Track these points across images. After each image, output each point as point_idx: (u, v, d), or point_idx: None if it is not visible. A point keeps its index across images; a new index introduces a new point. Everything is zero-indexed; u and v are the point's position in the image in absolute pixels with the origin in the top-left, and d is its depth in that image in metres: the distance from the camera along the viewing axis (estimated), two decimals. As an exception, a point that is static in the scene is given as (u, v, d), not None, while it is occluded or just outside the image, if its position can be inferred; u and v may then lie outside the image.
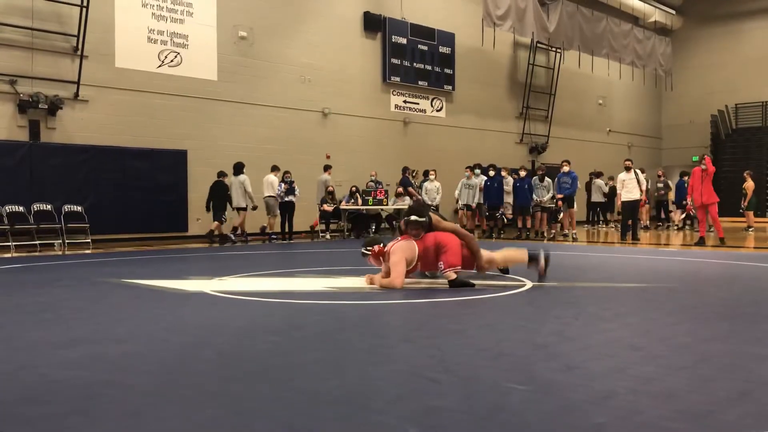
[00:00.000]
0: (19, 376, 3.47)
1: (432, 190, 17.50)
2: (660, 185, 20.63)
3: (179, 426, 2.65)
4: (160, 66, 15.68)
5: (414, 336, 4.41)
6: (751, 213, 18.92)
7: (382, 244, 7.03)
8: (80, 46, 14.25)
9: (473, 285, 6.71)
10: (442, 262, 6.71)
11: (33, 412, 2.84)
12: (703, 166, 13.48)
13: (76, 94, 14.40)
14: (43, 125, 14.08)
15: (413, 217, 6.87)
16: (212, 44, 16.61)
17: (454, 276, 6.67)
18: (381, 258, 6.97)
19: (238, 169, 15.32)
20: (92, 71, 14.55)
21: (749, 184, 18.88)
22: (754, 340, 4.30)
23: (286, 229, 15.93)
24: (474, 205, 16.96)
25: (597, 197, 20.91)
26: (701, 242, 13.39)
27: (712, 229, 16.95)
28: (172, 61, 15.88)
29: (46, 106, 13.85)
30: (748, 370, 3.49)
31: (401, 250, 6.78)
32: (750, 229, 18.30)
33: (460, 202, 17.24)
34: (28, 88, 13.78)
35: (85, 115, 14.60)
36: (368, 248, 7.05)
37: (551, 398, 2.99)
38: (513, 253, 7.49)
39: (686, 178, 19.15)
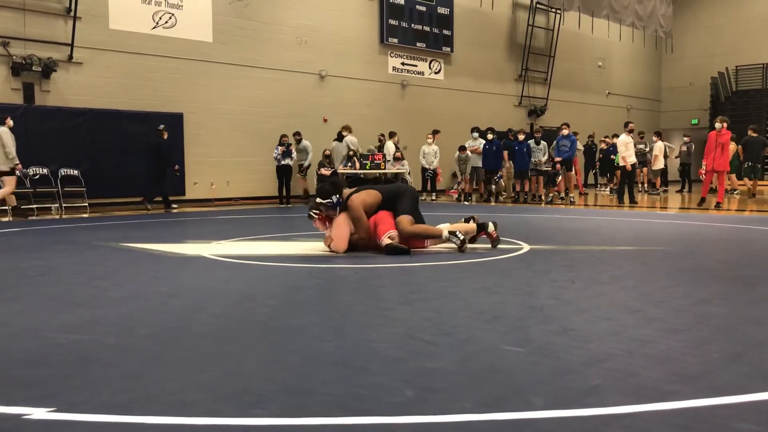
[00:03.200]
0: (19, 339, 3.49)
1: (430, 154, 17.44)
2: (684, 149, 20.30)
3: (178, 388, 2.67)
4: (154, 27, 15.48)
5: (411, 299, 4.43)
6: (734, 176, 18.96)
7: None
8: (73, 8, 14.04)
9: (407, 251, 6.58)
10: (378, 236, 6.74)
11: (33, 375, 2.86)
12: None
13: (70, 57, 14.23)
14: (37, 88, 13.94)
15: (318, 200, 6.89)
16: (207, 5, 16.37)
17: (387, 241, 6.62)
18: (327, 223, 6.96)
19: (339, 135, 16.91)
20: (86, 33, 14.36)
21: (732, 147, 18.85)
22: (749, 302, 4.32)
23: (284, 193, 15.91)
24: (461, 177, 16.94)
25: (659, 163, 19.45)
26: (705, 202, 13.60)
27: (735, 193, 17.21)
28: (166, 22, 15.67)
29: (40, 69, 13.70)
30: (743, 333, 3.52)
31: (343, 215, 6.83)
32: (735, 192, 18.38)
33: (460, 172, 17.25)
34: (20, 50, 13.62)
35: (79, 77, 14.46)
36: (315, 212, 6.96)
37: (547, 360, 3.01)
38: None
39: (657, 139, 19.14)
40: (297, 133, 16.52)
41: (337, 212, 6.86)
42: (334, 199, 6.83)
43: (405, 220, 6.81)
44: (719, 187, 13.78)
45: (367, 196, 6.95)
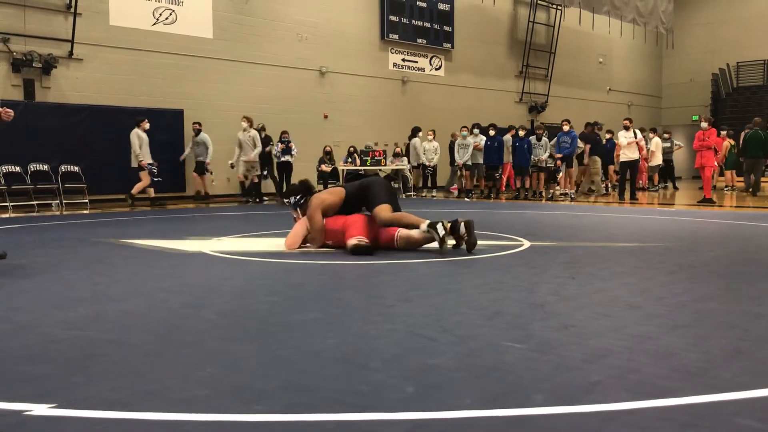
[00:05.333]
0: (19, 335, 3.49)
1: (430, 150, 17.42)
2: (666, 145, 20.24)
3: (178, 385, 2.67)
4: (154, 24, 15.48)
5: (412, 295, 4.43)
6: (728, 172, 18.96)
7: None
8: (73, 4, 14.03)
9: (372, 251, 6.34)
10: (346, 238, 6.51)
11: (34, 371, 2.86)
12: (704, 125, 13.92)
13: (71, 53, 14.24)
14: (37, 84, 13.95)
15: (284, 199, 7.23)
16: (207, 1, 16.37)
17: (354, 242, 6.34)
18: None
19: (414, 132, 17.62)
20: (86, 29, 14.36)
21: (726, 144, 18.89)
22: (749, 298, 4.32)
23: (283, 190, 15.91)
24: (461, 163, 16.80)
25: (656, 159, 19.01)
26: (706, 201, 13.68)
27: (726, 189, 17.50)
28: (167, 18, 15.67)
29: (40, 65, 13.71)
30: (744, 329, 3.52)
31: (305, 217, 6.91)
32: (728, 188, 18.41)
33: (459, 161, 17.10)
34: (21, 47, 13.61)
35: (79, 74, 14.46)
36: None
37: (547, 357, 3.01)
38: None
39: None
40: (196, 123, 15.28)
41: (298, 212, 7.00)
42: (293, 199, 6.99)
43: (383, 208, 6.50)
44: (705, 183, 14.01)
45: (329, 194, 6.86)
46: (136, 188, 13.72)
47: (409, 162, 17.72)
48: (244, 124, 14.85)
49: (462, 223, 6.33)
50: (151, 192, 13.92)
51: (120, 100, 14.86)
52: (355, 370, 2.86)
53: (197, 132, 15.20)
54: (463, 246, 6.40)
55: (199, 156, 15.21)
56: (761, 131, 16.63)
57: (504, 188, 17.40)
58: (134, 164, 13.67)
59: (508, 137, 16.73)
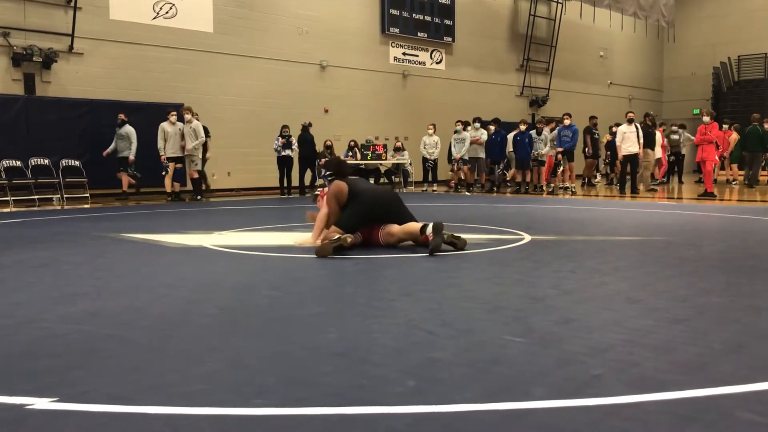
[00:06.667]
0: (20, 330, 3.49)
1: (430, 144, 17.40)
2: (676, 137, 20.00)
3: (179, 380, 2.67)
4: (155, 18, 15.45)
5: (413, 290, 4.43)
6: (734, 166, 18.94)
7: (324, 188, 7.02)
8: (73, -2, 14.01)
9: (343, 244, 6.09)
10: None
11: (36, 366, 2.87)
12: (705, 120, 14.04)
13: (71, 47, 14.22)
14: (38, 79, 13.93)
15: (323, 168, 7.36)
16: (207, -5, 16.33)
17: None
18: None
19: (464, 126, 17.10)
20: (86, 23, 14.34)
21: (734, 137, 18.86)
22: (750, 293, 4.32)
23: (285, 184, 15.89)
24: (458, 157, 16.66)
25: (656, 153, 18.19)
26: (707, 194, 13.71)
27: (734, 183, 17.63)
28: (167, 12, 15.64)
29: (41, 59, 13.69)
30: (745, 323, 3.52)
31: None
32: (734, 182, 18.40)
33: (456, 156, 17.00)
34: (21, 41, 13.60)
35: (80, 68, 14.44)
36: (318, 190, 7.31)
37: (548, 351, 3.01)
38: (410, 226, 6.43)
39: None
40: (121, 113, 14.03)
41: (324, 188, 7.00)
42: (323, 171, 7.12)
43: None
44: (706, 177, 14.07)
45: (341, 185, 6.50)
46: (167, 186, 13.92)
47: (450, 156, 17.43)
48: (187, 116, 13.94)
49: (430, 225, 6.04)
50: (171, 186, 13.98)
51: (120, 94, 14.84)
52: (356, 364, 2.86)
53: (121, 124, 13.93)
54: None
55: (122, 151, 13.97)
56: (759, 126, 17.01)
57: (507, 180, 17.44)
58: (173, 154, 13.94)
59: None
